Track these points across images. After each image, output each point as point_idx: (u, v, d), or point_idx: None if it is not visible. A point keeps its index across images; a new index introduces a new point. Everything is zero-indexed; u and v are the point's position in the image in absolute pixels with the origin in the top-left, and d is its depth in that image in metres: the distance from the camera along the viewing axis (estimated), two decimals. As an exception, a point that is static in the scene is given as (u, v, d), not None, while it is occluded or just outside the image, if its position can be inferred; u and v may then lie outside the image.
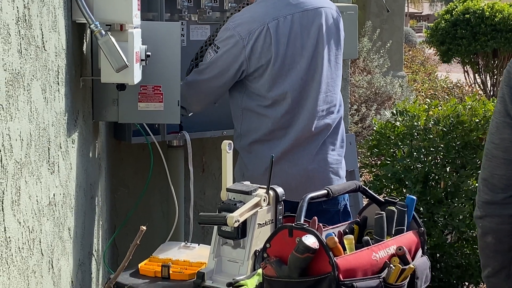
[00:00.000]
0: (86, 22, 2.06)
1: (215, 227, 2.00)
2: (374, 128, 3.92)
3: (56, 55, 1.77)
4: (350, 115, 5.29)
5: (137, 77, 2.22)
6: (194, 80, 2.61)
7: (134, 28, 2.19)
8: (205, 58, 2.59)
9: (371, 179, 3.88)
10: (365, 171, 4.08)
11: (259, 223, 1.98)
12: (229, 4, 3.19)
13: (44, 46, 1.62)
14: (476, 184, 3.64)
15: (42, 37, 1.60)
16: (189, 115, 2.76)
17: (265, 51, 2.52)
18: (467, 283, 3.88)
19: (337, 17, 2.67)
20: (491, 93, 10.91)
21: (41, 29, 1.59)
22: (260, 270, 1.83)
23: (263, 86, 2.56)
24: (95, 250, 2.48)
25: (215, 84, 2.58)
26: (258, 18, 2.53)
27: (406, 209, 1.95)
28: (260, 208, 1.98)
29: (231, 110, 2.69)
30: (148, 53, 2.30)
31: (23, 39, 1.41)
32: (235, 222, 1.87)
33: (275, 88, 2.56)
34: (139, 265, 2.18)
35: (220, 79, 2.57)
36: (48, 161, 1.65)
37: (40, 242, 1.54)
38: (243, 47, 2.51)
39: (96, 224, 2.50)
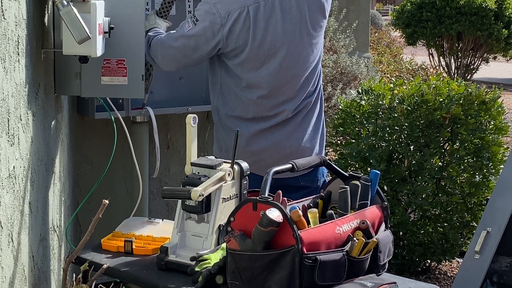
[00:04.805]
0: (47, -8, 2.02)
1: (179, 201, 1.99)
2: (340, 107, 3.94)
3: (16, 25, 1.73)
4: (316, 94, 5.28)
5: (100, 49, 2.18)
6: (167, 45, 2.55)
7: (97, -1, 2.15)
8: (182, 25, 2.54)
9: (336, 157, 3.90)
10: (331, 149, 4.09)
11: (223, 198, 1.97)
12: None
13: (3, 15, 1.57)
14: (439, 163, 3.70)
15: (1, 5, 1.56)
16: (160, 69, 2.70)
17: (243, 33, 2.48)
18: (429, 261, 3.93)
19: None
20: (455, 76, 11.04)
21: (0, -4, 1.54)
22: (224, 244, 1.83)
23: (240, 66, 2.52)
24: (57, 226, 2.45)
25: (187, 54, 2.54)
26: None
27: (370, 184, 1.96)
28: (225, 182, 1.97)
29: (209, 79, 2.64)
30: (111, 26, 2.26)
31: (-20, 5, 1.37)
32: (199, 196, 1.86)
33: (252, 72, 2.52)
34: (102, 240, 2.15)
35: (194, 52, 2.52)
36: (8, 133, 1.62)
37: (-1, 214, 1.51)
38: (221, 26, 2.47)
39: (58, 200, 2.46)
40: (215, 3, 2.47)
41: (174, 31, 2.57)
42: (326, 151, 4.24)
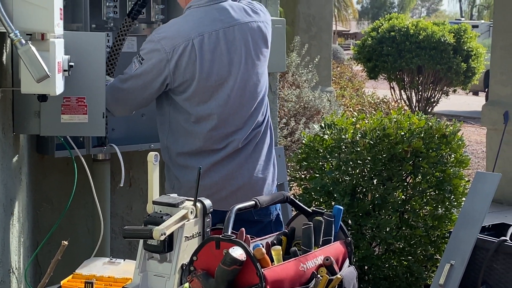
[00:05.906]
0: (5, 31, 2.00)
1: (141, 241, 1.95)
2: (303, 142, 3.95)
3: (-28, 64, 1.70)
4: (279, 129, 5.32)
5: (59, 88, 2.16)
6: (117, 88, 2.55)
7: (57, 37, 2.14)
8: (130, 67, 2.54)
9: (301, 192, 3.90)
10: (295, 184, 4.09)
11: (186, 236, 1.94)
12: (156, 16, 3.15)
13: (-42, 54, 1.55)
14: (402, 196, 3.72)
15: (-44, 44, 1.53)
16: (115, 116, 2.69)
17: (190, 66, 2.49)
18: (394, 294, 3.93)
19: (264, 30, 2.65)
20: (416, 109, 11.21)
21: (-45, 36, 1.52)
22: (186, 284, 1.79)
23: (188, 101, 2.53)
24: (16, 268, 2.39)
25: (138, 95, 2.54)
26: (183, 33, 2.49)
27: (333, 219, 1.95)
28: (187, 220, 1.94)
29: (157, 120, 2.64)
30: (71, 63, 2.25)
31: None
32: (161, 235, 1.82)
33: (200, 105, 2.53)
34: (62, 282, 2.10)
35: (144, 91, 2.52)
36: (-37, 174, 1.58)
37: (-48, 258, 1.46)
38: (168, 61, 2.48)
39: (16, 241, 2.40)
40: (159, 39, 2.49)
41: (122, 74, 2.57)
42: (290, 185, 4.24)
